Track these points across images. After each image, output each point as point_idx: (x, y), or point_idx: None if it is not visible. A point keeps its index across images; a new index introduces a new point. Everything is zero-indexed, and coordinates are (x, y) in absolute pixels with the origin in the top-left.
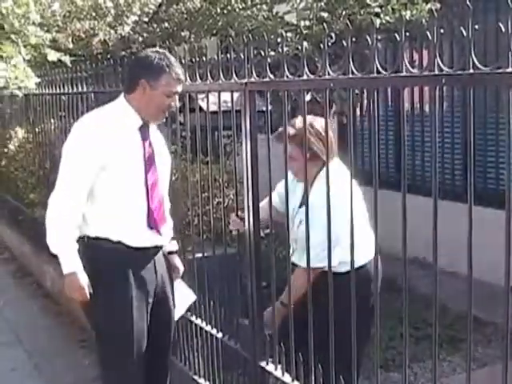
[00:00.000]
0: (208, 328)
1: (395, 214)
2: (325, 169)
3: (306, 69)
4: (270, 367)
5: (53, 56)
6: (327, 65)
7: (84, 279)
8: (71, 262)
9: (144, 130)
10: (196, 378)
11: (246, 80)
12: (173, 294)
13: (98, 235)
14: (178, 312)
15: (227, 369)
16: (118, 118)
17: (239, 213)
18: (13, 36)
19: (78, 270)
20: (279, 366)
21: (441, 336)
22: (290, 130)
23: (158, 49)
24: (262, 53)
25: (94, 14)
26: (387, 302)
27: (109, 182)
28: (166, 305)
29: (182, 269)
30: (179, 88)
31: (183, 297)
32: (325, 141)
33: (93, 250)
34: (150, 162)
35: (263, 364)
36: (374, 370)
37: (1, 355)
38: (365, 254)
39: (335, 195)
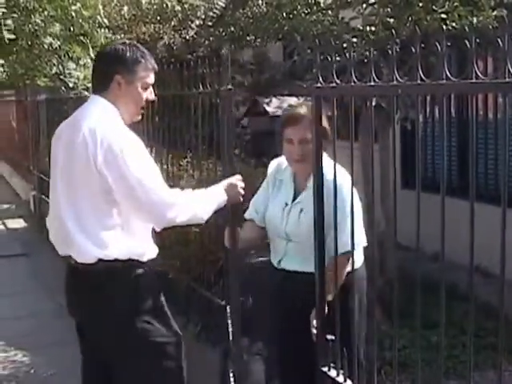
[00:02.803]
0: None
1: (457, 222)
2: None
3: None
4: (332, 373)
5: None
6: (395, 71)
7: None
8: (218, 193)
9: None
10: None
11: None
12: None
13: (131, 257)
14: None
15: None
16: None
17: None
18: (82, 38)
19: (222, 188)
20: (341, 372)
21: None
22: (301, 110)
23: (125, 40)
24: (328, 58)
25: (158, 18)
26: (449, 310)
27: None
28: None
29: None
30: (153, 79)
31: None
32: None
33: (130, 275)
34: None
35: (325, 369)
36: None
37: None
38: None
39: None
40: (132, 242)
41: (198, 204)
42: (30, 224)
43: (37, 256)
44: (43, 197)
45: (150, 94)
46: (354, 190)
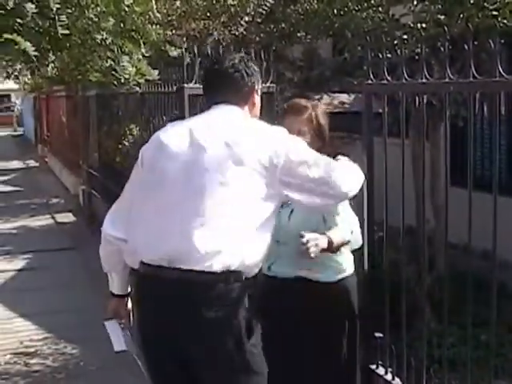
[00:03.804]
0: None
1: (505, 220)
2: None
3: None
4: (380, 370)
5: (174, 52)
6: (447, 68)
7: None
8: None
9: None
10: None
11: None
12: None
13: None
14: None
15: None
16: None
17: None
18: (133, 34)
19: None
20: (389, 370)
21: None
22: (302, 102)
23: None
24: (379, 55)
25: (208, 14)
26: (497, 308)
27: None
28: None
29: None
30: None
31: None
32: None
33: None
34: None
35: (373, 367)
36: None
37: None
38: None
39: None
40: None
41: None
42: (78, 218)
43: (85, 250)
44: (92, 191)
45: None
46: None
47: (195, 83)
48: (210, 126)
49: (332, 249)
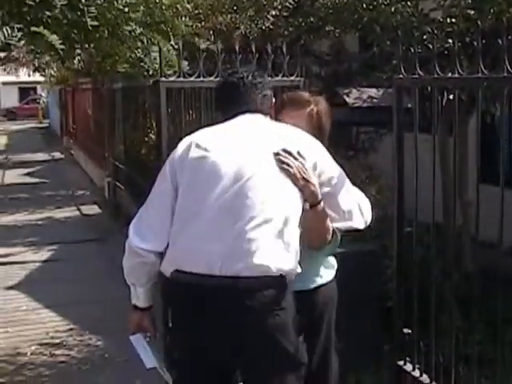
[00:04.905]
0: None
1: None
2: None
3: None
4: (408, 367)
5: (203, 45)
6: (480, 63)
7: None
8: None
9: None
10: None
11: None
12: None
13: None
14: None
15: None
16: None
17: None
18: (163, 26)
19: None
20: (417, 366)
21: None
22: (305, 95)
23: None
24: (409, 49)
25: (235, 8)
26: None
27: None
28: None
29: None
30: None
31: None
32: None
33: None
34: None
35: (400, 363)
36: None
37: None
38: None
39: None
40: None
41: None
42: (104, 210)
43: (110, 242)
44: (117, 183)
45: None
46: None
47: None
48: (251, 131)
49: (318, 208)
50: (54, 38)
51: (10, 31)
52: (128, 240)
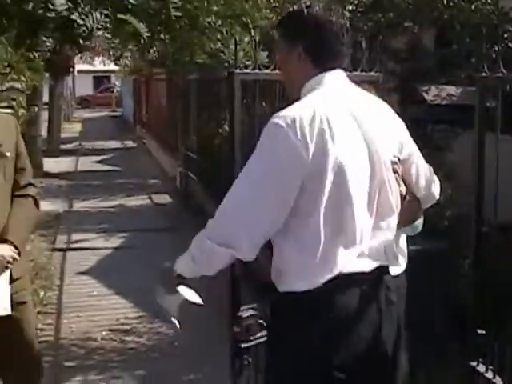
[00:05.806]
0: None
1: None
2: None
3: None
4: (481, 368)
5: None
6: None
7: None
8: None
9: None
10: None
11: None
12: None
13: None
14: None
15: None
16: None
17: None
18: (243, 18)
19: None
20: (490, 368)
21: None
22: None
23: None
24: (492, 47)
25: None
26: None
27: None
28: None
29: None
30: None
31: None
32: None
33: None
34: None
35: (474, 364)
36: None
37: None
38: None
39: None
40: None
41: None
42: (175, 200)
43: (181, 231)
44: (189, 173)
45: None
46: None
47: None
48: (363, 104)
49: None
50: (140, 26)
51: (98, 17)
52: (233, 251)
